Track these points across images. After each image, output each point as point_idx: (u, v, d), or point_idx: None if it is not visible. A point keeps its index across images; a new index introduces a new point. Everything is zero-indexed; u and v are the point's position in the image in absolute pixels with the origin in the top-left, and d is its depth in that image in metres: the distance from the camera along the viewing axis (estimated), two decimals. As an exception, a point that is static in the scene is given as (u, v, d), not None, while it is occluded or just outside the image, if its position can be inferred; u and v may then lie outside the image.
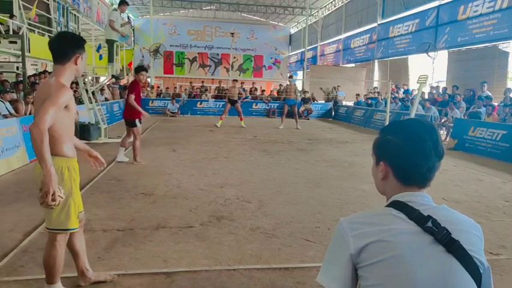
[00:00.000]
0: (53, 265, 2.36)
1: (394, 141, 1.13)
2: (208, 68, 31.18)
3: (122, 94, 16.49)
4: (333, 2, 25.17)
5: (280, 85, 22.10)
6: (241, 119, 13.43)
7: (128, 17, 9.38)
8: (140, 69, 7.02)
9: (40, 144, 2.03)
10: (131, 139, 6.88)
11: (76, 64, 2.26)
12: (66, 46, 2.26)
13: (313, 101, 19.31)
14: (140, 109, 6.61)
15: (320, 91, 20.56)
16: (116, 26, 8.64)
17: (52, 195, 2.10)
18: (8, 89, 9.25)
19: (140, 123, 6.80)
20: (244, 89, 19.93)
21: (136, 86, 6.71)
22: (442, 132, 11.12)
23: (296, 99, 14.06)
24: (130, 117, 6.64)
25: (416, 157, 1.09)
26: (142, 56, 29.07)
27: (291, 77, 16.11)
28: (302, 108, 17.72)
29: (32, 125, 2.04)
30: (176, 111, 17.30)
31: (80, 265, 2.64)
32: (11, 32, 10.43)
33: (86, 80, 10.09)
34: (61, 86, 2.16)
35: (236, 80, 14.06)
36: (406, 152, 1.10)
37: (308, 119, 17.48)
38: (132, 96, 6.57)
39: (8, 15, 11.21)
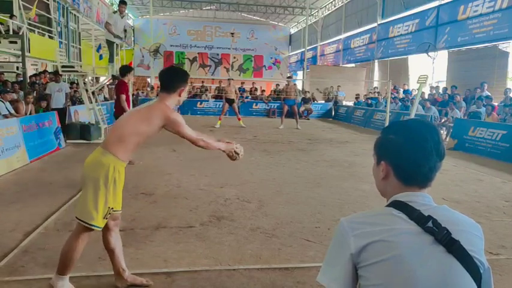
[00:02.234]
0: (70, 257, 2.42)
1: (396, 141, 1.13)
2: (208, 68, 31.18)
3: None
4: (333, 2, 25.17)
5: (277, 85, 22.07)
6: (239, 119, 13.42)
7: (125, 30, 9.33)
8: (127, 70, 7.11)
9: (209, 144, 2.63)
10: None
11: (180, 96, 2.61)
12: (174, 80, 2.57)
13: (313, 101, 19.32)
14: (127, 110, 6.71)
15: (318, 91, 20.56)
16: (112, 29, 8.66)
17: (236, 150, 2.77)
18: (8, 89, 9.24)
19: None
20: (244, 89, 19.94)
21: (124, 86, 6.87)
22: (442, 132, 11.12)
23: (296, 100, 14.05)
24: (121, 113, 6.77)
25: (418, 157, 1.09)
26: (143, 56, 29.09)
27: (289, 77, 16.06)
28: (302, 108, 17.72)
29: (195, 143, 2.61)
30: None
31: (116, 265, 2.64)
32: (11, 32, 10.42)
33: (86, 80, 10.09)
34: (175, 112, 2.55)
35: (232, 79, 14.05)
36: (407, 151, 1.10)
37: (308, 119, 17.48)
38: (123, 96, 6.72)
39: (8, 15, 11.21)
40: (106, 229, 2.53)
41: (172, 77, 2.59)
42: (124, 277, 2.65)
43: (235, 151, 2.77)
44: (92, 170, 2.37)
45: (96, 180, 2.33)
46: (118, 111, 6.87)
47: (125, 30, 9.27)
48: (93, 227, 2.37)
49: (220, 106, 15.76)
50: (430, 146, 1.08)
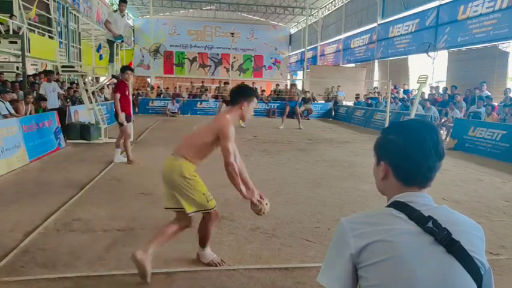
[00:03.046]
0: (206, 236, 3.05)
1: (395, 141, 1.13)
2: (208, 68, 31.17)
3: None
4: (333, 2, 25.16)
5: (277, 85, 22.37)
6: None
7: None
8: (126, 68, 7.12)
9: (236, 177, 2.76)
10: (127, 140, 6.95)
11: (241, 109, 2.97)
12: (237, 95, 3.00)
13: (313, 101, 19.33)
14: (119, 111, 6.69)
15: (318, 95, 20.63)
16: (112, 27, 8.64)
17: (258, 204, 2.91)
18: (8, 89, 9.23)
19: (129, 121, 6.88)
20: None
21: (121, 86, 6.83)
22: (442, 132, 11.12)
23: (298, 101, 14.42)
24: (116, 113, 6.78)
25: (417, 157, 1.09)
26: (143, 56, 29.08)
27: (293, 85, 16.13)
28: (302, 108, 17.72)
29: (226, 164, 2.76)
30: (176, 111, 17.31)
31: (155, 242, 2.84)
32: (11, 32, 10.41)
33: (86, 80, 10.08)
34: (228, 124, 2.83)
35: (227, 83, 14.17)
36: (406, 151, 1.10)
37: (308, 119, 17.48)
38: (117, 95, 6.68)
39: (8, 15, 11.19)
40: (176, 219, 2.96)
41: (237, 92, 3.03)
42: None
43: (260, 207, 2.91)
44: (172, 175, 2.78)
45: (180, 182, 2.76)
46: (115, 111, 6.86)
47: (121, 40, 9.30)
48: (209, 210, 2.91)
49: (220, 106, 15.81)
50: (429, 146, 1.08)
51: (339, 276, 1.06)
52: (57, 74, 12.09)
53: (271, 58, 32.04)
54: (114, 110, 6.95)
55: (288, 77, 32.64)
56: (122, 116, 6.70)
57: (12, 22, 10.59)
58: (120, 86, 6.82)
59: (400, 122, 1.21)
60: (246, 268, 3.00)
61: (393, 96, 14.21)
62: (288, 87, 23.29)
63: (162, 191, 2.91)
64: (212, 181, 5.67)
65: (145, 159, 7.04)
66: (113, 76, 9.72)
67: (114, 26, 8.70)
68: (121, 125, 6.76)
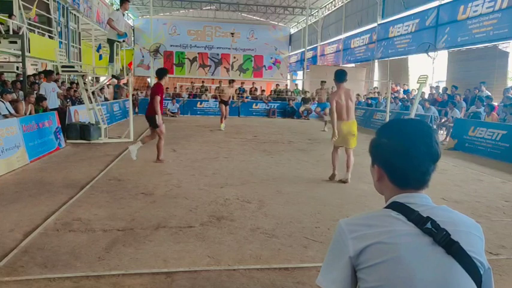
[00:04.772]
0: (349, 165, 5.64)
1: (387, 145, 1.11)
2: (208, 68, 31.17)
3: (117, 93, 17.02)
4: (333, 2, 25.17)
5: (277, 85, 22.36)
6: (221, 122, 12.68)
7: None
8: (164, 73, 7.09)
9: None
10: (152, 140, 7.01)
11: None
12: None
13: (314, 101, 19.31)
14: (159, 113, 6.73)
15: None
16: (114, 24, 8.60)
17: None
18: (9, 89, 9.22)
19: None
20: (244, 89, 19.94)
21: (161, 88, 6.89)
22: (442, 132, 11.12)
23: (327, 102, 13.67)
24: (153, 115, 6.77)
25: (409, 162, 1.07)
26: (143, 56, 29.07)
27: (323, 81, 15.32)
28: (302, 108, 17.74)
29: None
30: (176, 111, 17.31)
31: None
32: (11, 32, 10.40)
33: (86, 80, 10.08)
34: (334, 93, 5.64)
35: (233, 81, 13.69)
36: (398, 156, 1.08)
37: (308, 119, 17.48)
38: (158, 98, 6.74)
39: (8, 15, 11.18)
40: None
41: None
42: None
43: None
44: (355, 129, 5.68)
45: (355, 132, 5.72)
46: (151, 112, 6.80)
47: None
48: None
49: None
50: (423, 150, 1.07)
51: (337, 278, 1.05)
52: (57, 74, 12.08)
53: (271, 58, 32.03)
54: (148, 111, 6.86)
55: (288, 77, 32.63)
56: (160, 118, 6.73)
57: (12, 22, 10.58)
58: (160, 88, 6.85)
59: (395, 122, 1.19)
60: (246, 268, 3.00)
61: (393, 96, 14.19)
62: (289, 87, 23.30)
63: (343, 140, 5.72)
64: (212, 181, 5.71)
65: (145, 159, 7.04)
66: (113, 76, 9.71)
67: (116, 25, 8.69)
68: (157, 126, 6.77)
